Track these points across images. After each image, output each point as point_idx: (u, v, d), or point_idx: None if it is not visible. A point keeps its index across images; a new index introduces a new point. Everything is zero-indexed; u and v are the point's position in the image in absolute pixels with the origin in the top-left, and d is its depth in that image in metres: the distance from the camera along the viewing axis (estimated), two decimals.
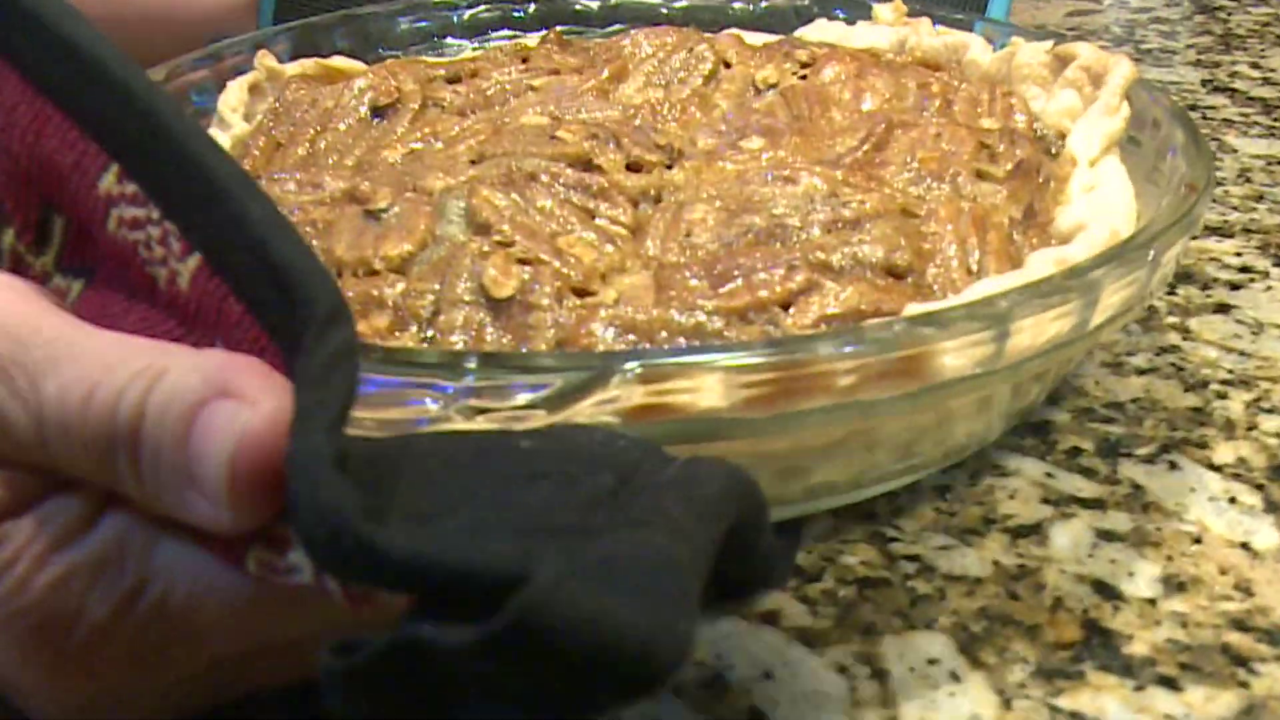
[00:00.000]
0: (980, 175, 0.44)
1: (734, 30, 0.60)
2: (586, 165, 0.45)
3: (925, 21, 0.58)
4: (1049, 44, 0.55)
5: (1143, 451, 0.45)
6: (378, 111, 0.51)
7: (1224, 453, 0.45)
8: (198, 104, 0.57)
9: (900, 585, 0.39)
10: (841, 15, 0.62)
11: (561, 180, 0.44)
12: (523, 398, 0.33)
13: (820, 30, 0.60)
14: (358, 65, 0.59)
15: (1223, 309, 0.55)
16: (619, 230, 0.42)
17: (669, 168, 0.45)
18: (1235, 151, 0.72)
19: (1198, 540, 0.41)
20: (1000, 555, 0.40)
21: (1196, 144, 0.46)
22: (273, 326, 0.27)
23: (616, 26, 0.64)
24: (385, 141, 0.49)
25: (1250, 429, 0.46)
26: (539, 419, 0.33)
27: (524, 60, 0.57)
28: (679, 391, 0.34)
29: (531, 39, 0.60)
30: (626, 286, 0.40)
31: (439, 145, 0.48)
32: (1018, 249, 0.43)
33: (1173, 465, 0.44)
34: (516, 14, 0.63)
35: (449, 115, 0.51)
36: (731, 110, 0.51)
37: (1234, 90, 0.82)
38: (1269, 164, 0.70)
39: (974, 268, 0.41)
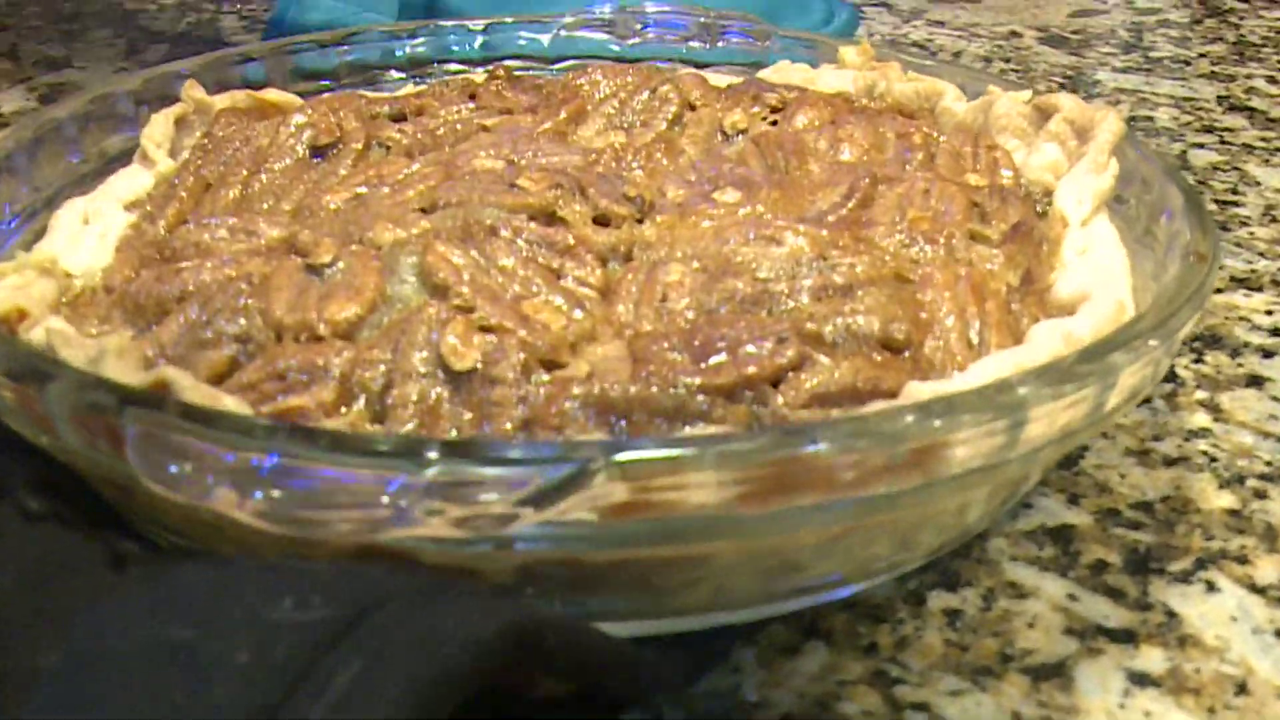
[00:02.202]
0: (974, 237, 0.41)
1: (695, 70, 0.57)
2: (550, 218, 0.42)
3: (894, 66, 0.55)
4: (1027, 94, 0.52)
5: (1176, 568, 0.40)
6: (317, 151, 0.47)
7: (1267, 570, 0.41)
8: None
9: None
10: (804, 57, 0.59)
11: (524, 235, 0.40)
12: (494, 498, 0.29)
13: (782, 73, 0.57)
14: (293, 99, 0.55)
15: (1255, 382, 0.51)
16: (588, 293, 0.39)
17: (639, 222, 0.42)
18: (1259, 184, 0.68)
19: (1242, 688, 0.36)
20: (1020, 704, 0.35)
21: (1197, 208, 0.43)
22: None
23: (566, 64, 0.60)
24: (326, 185, 0.45)
25: None
26: (526, 517, 0.29)
27: (472, 96, 0.53)
28: (666, 488, 0.30)
29: (478, 75, 0.56)
30: (600, 358, 0.36)
31: (385, 190, 0.44)
32: (1016, 319, 0.40)
33: (1210, 586, 0.40)
34: (456, 48, 0.59)
35: (396, 156, 0.47)
36: (700, 158, 0.47)
37: (1252, 110, 0.78)
38: None
39: (974, 340, 0.38)
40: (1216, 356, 0.53)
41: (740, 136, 0.49)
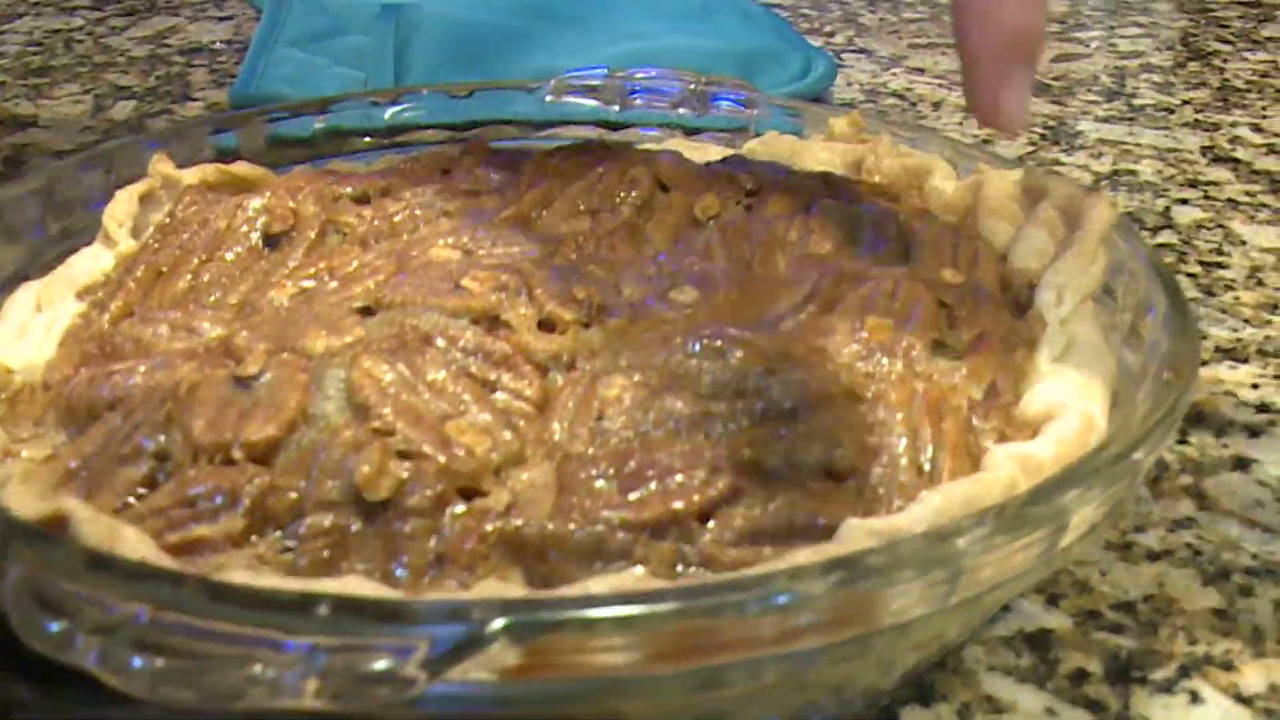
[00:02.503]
0: (938, 346, 0.39)
1: (678, 144, 0.55)
2: (493, 322, 0.40)
3: (884, 139, 0.53)
4: (1017, 174, 0.50)
5: (1159, 676, 0.38)
6: (270, 239, 0.46)
7: (1253, 677, 0.38)
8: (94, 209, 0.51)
9: None
10: (794, 125, 0.57)
11: (460, 344, 0.38)
12: (381, 665, 0.27)
13: (770, 145, 0.55)
14: (264, 173, 0.53)
15: (1242, 465, 0.49)
16: (522, 407, 0.37)
17: (587, 326, 0.40)
18: (1244, 244, 0.66)
19: None
20: None
21: (1181, 310, 0.41)
22: None
23: (551, 132, 0.59)
24: (275, 277, 0.44)
25: None
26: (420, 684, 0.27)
27: (445, 172, 0.52)
28: (565, 651, 0.28)
29: (454, 149, 0.55)
30: (524, 485, 0.35)
31: (333, 285, 0.43)
32: (977, 437, 0.37)
33: (1194, 696, 0.38)
34: (440, 114, 0.58)
35: (350, 245, 0.46)
36: (666, 248, 0.45)
37: (1237, 161, 0.76)
38: None
39: (926, 466, 0.35)
40: (1201, 437, 0.50)
41: (711, 223, 0.47)
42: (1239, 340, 0.57)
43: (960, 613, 0.32)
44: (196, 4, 1.07)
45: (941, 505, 0.32)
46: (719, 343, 0.38)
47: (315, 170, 0.53)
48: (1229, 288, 0.61)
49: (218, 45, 0.96)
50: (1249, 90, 0.90)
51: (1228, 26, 1.07)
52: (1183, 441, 0.50)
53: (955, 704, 0.37)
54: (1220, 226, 0.68)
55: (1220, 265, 0.64)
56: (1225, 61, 0.96)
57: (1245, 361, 0.55)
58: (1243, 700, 0.38)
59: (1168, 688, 0.38)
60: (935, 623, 0.32)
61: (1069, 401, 0.37)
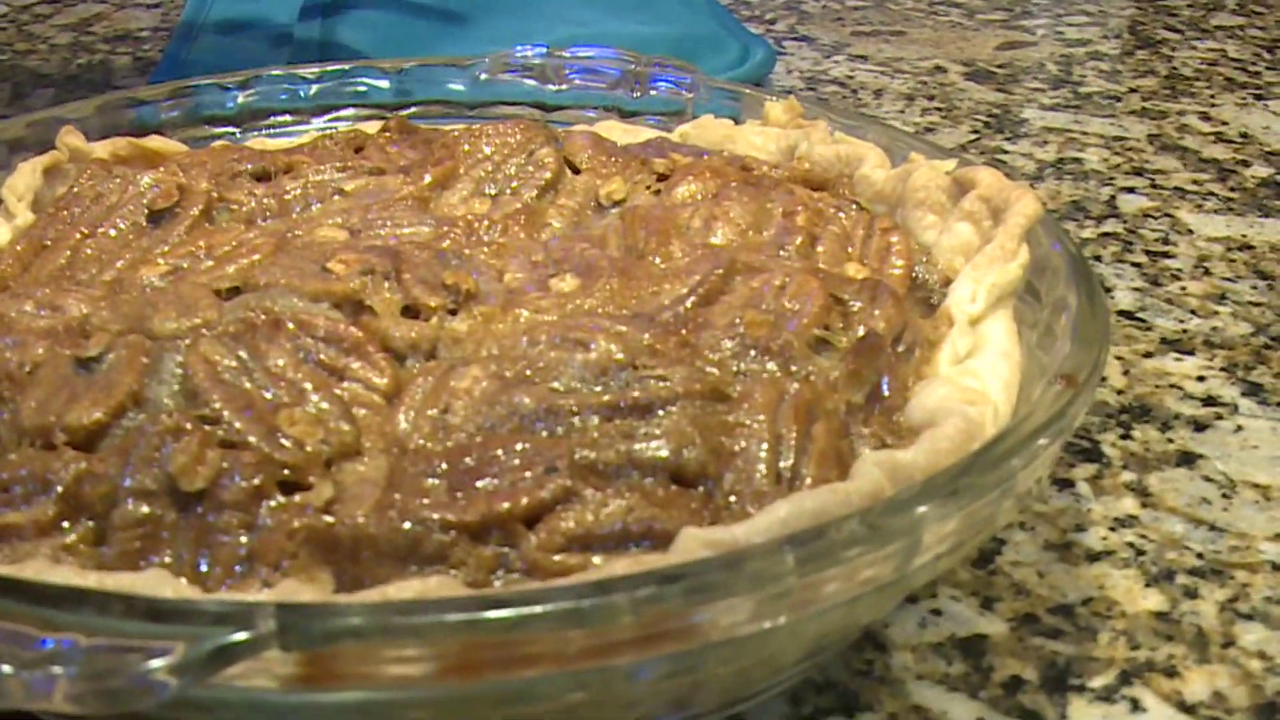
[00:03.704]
0: (820, 343, 0.37)
1: (601, 125, 0.53)
2: (358, 306, 0.38)
3: (821, 126, 0.51)
4: (951, 164, 0.47)
5: (1098, 683, 0.37)
6: (154, 216, 0.44)
7: (1197, 684, 0.37)
8: None
9: None
10: (733, 109, 0.54)
11: (311, 331, 0.36)
12: (132, 668, 0.25)
13: (704, 129, 0.53)
14: (178, 147, 0.52)
15: (1187, 459, 0.47)
16: (371, 397, 0.35)
17: (453, 313, 0.38)
18: (1191, 233, 0.63)
19: None
20: None
21: (1091, 309, 0.38)
22: None
23: (483, 111, 0.56)
24: (152, 254, 0.42)
25: (1226, 644, 0.38)
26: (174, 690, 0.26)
27: (358, 150, 0.50)
28: (350, 660, 0.26)
29: (372, 126, 0.53)
30: (354, 479, 0.33)
31: (208, 263, 0.41)
32: (852, 444, 0.35)
33: (1135, 705, 0.36)
34: (366, 91, 0.56)
35: (233, 224, 0.44)
36: (559, 234, 0.43)
37: (1184, 149, 0.74)
38: (1230, 249, 0.62)
39: (785, 473, 0.33)
40: (1145, 431, 0.48)
41: (615, 209, 0.45)
42: (1185, 331, 0.54)
43: (805, 627, 0.30)
44: None
45: (787, 517, 0.30)
46: (581, 334, 0.36)
47: (230, 146, 0.51)
48: (1175, 277, 0.59)
49: (143, 33, 0.94)
50: (1197, 79, 0.87)
51: (1176, 15, 1.04)
52: (1126, 436, 0.48)
53: (882, 714, 0.36)
54: (1167, 215, 0.65)
55: (1166, 255, 0.61)
56: (1174, 50, 0.93)
57: (1191, 353, 0.53)
58: (1186, 709, 0.36)
59: (1107, 696, 0.36)
60: (773, 640, 0.30)
61: (953, 406, 0.35)
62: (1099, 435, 0.48)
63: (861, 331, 0.37)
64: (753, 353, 0.36)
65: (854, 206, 0.46)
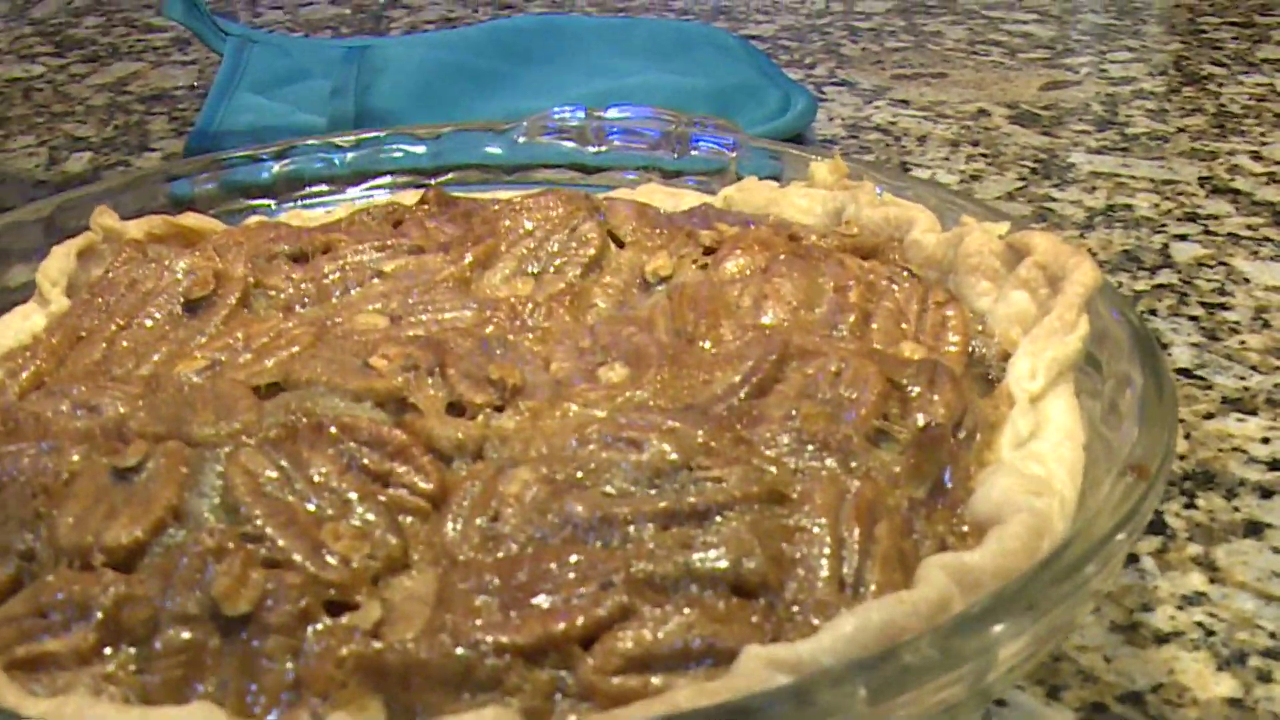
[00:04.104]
0: (879, 435, 0.35)
1: (643, 189, 0.51)
2: (401, 404, 0.37)
3: (867, 187, 0.49)
4: (1004, 227, 0.46)
5: None
6: (190, 305, 0.43)
7: None
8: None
9: None
10: (775, 168, 0.53)
11: (354, 435, 0.35)
12: None
13: (748, 191, 0.51)
14: (214, 224, 0.51)
15: (1254, 530, 0.45)
16: (416, 503, 0.34)
17: (499, 409, 0.37)
18: (1247, 282, 0.61)
19: None
20: None
21: (1157, 388, 0.37)
22: None
23: (522, 175, 0.55)
24: (189, 347, 0.41)
25: None
26: None
27: (396, 224, 0.49)
28: None
29: (409, 196, 0.52)
30: (402, 596, 0.32)
31: (246, 356, 0.40)
32: (916, 543, 0.33)
33: None
34: (402, 159, 0.55)
35: (273, 311, 0.43)
36: (605, 316, 0.42)
37: (1236, 192, 0.72)
38: None
39: (849, 579, 0.32)
40: (1209, 499, 0.46)
41: (662, 286, 0.44)
42: (1246, 389, 0.52)
43: None
44: (161, 48, 1.05)
45: (854, 633, 0.29)
46: (634, 433, 0.34)
47: (264, 223, 0.51)
48: (1234, 331, 0.57)
49: (179, 91, 0.93)
50: (1246, 115, 0.85)
51: (1221, 49, 1.01)
52: (1190, 506, 0.46)
53: None
54: (1222, 264, 0.63)
55: (1224, 306, 0.59)
56: (1220, 86, 0.91)
57: (1254, 413, 0.51)
58: None
59: None
60: None
61: (1019, 500, 0.33)
62: (1163, 505, 0.46)
63: (921, 420, 0.36)
64: (811, 448, 0.35)
65: (906, 275, 0.44)
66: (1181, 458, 0.48)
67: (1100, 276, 0.41)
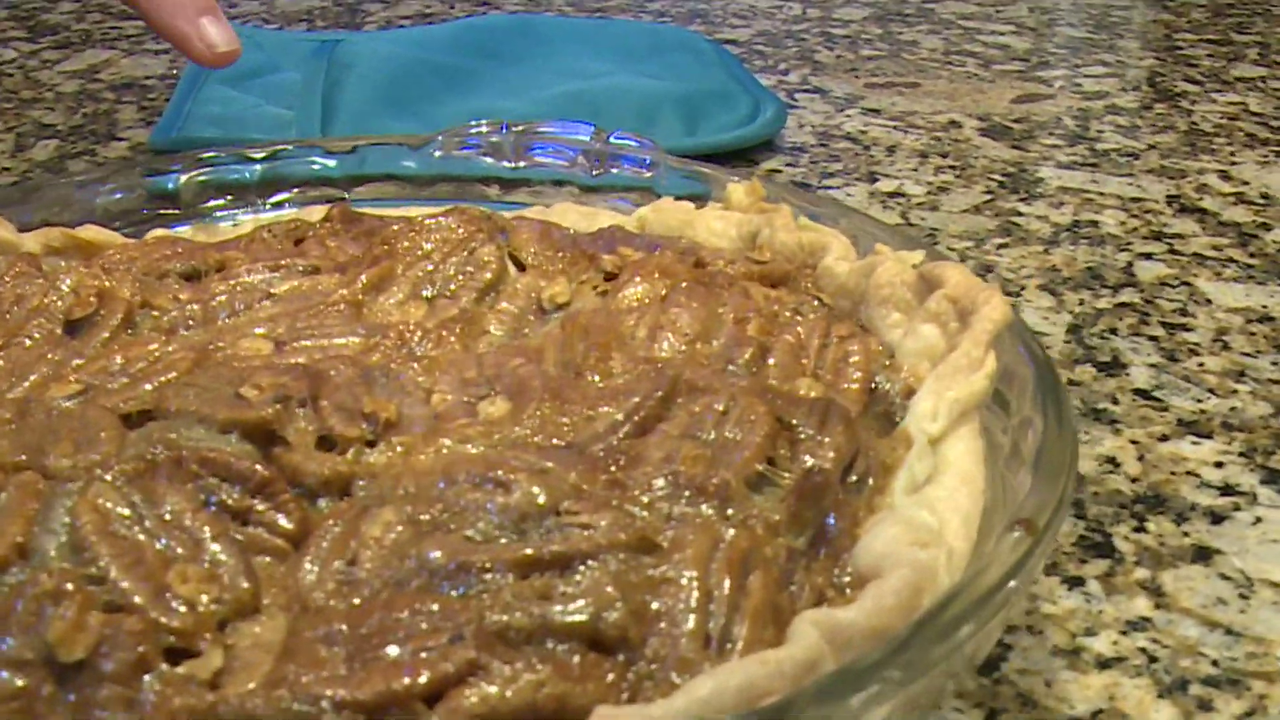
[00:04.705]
0: (761, 480, 0.34)
1: (558, 208, 0.50)
2: (269, 437, 0.35)
3: (784, 211, 0.48)
4: (918, 256, 0.44)
5: None
6: (71, 326, 0.42)
7: None
8: None
9: None
10: (697, 189, 0.52)
11: (215, 470, 0.34)
12: None
13: (663, 212, 0.50)
14: (112, 237, 0.50)
15: (1203, 555, 0.44)
16: (275, 542, 0.33)
17: (371, 444, 0.35)
18: (1210, 303, 0.60)
19: None
20: None
21: (1058, 433, 0.35)
22: None
23: (437, 190, 0.54)
24: (65, 370, 0.40)
25: None
26: None
27: (298, 241, 0.48)
28: None
29: (315, 212, 0.51)
30: (247, 644, 0.30)
31: (122, 381, 0.39)
32: (793, 596, 0.32)
33: None
34: (318, 169, 0.53)
35: (156, 333, 0.42)
36: (497, 343, 0.41)
37: (1204, 212, 0.71)
38: (1249, 320, 0.59)
39: (715, 634, 0.30)
40: (1160, 523, 0.45)
41: (558, 313, 0.42)
42: (1202, 412, 0.51)
43: None
44: (134, 36, 1.04)
45: (710, 695, 0.28)
46: (503, 473, 0.33)
47: (163, 238, 0.49)
48: (1193, 352, 0.56)
49: (150, 81, 0.92)
50: (1217, 134, 0.84)
51: (1196, 65, 1.00)
52: (1139, 529, 0.45)
53: None
54: (1185, 284, 0.62)
55: (1184, 327, 0.58)
56: (1193, 103, 0.90)
57: (1209, 436, 0.50)
58: None
59: None
60: None
61: (902, 553, 0.32)
62: (1112, 528, 0.45)
63: (807, 465, 0.35)
64: (687, 493, 0.33)
65: (815, 305, 0.43)
66: (1134, 480, 0.47)
67: (1010, 313, 0.40)
